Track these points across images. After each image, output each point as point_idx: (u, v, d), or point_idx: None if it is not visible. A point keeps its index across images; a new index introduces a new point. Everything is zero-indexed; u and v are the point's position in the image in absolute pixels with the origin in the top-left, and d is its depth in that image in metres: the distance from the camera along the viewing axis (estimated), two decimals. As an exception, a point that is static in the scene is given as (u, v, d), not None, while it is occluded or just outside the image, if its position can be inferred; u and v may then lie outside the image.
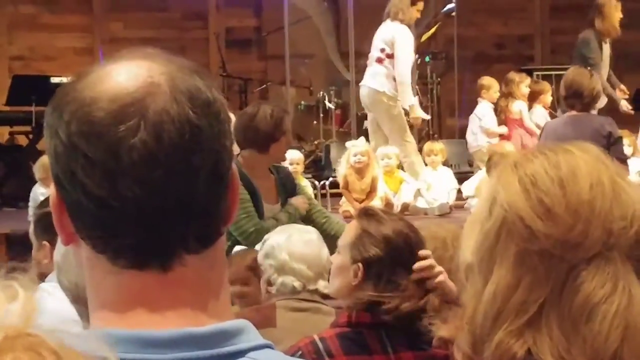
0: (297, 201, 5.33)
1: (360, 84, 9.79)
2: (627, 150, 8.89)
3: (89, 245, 1.16)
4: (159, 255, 1.15)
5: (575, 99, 7.07)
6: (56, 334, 0.88)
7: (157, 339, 1.12)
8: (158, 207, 1.12)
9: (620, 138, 7.12)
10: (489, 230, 1.35)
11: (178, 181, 1.13)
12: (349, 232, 3.20)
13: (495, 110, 11.01)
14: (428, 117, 10.43)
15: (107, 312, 1.16)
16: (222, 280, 1.21)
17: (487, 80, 11.21)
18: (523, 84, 10.86)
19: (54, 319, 2.76)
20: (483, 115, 10.90)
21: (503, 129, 10.81)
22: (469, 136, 11.03)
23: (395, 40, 9.30)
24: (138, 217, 1.12)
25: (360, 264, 3.07)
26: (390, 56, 9.37)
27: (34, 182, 8.71)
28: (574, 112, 7.08)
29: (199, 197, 1.14)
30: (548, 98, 10.95)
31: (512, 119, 10.79)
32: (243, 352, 1.15)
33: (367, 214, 3.19)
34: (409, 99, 9.36)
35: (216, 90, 1.19)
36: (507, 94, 10.83)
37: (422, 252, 3.03)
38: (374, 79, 9.41)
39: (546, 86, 11.22)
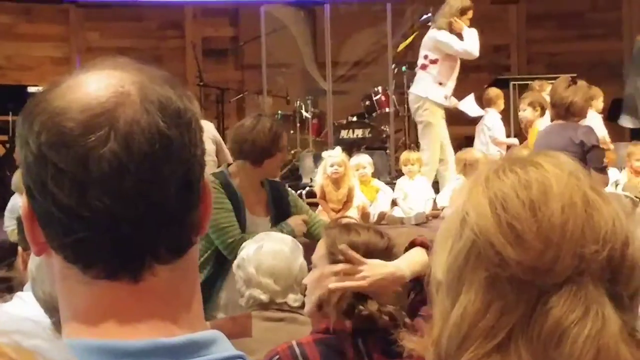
0: (294, 222, 5.19)
1: (409, 91, 10.02)
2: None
3: (60, 255, 1.16)
4: (130, 266, 1.14)
5: (554, 107, 7.10)
6: (12, 337, 0.89)
7: (129, 349, 1.11)
8: (128, 217, 1.12)
9: (594, 147, 7.05)
10: (459, 252, 1.32)
11: (148, 191, 1.12)
12: (321, 245, 3.18)
13: (506, 119, 10.96)
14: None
15: (78, 323, 1.16)
16: (194, 290, 1.21)
17: (493, 91, 11.22)
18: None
19: (29, 326, 2.73)
20: (492, 125, 10.92)
21: (513, 140, 10.82)
22: (477, 146, 10.93)
23: (439, 41, 9.39)
24: (108, 228, 1.12)
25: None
26: (435, 62, 9.47)
27: (11, 192, 8.67)
28: (558, 121, 7.10)
29: (170, 207, 1.14)
30: (600, 104, 10.59)
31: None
32: None
33: (337, 226, 3.20)
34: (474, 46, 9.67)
35: (188, 99, 1.19)
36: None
37: (342, 246, 3.01)
38: (417, 85, 9.55)
39: (597, 92, 10.85)
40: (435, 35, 9.60)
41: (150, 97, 1.14)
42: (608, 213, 1.31)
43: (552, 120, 7.20)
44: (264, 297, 3.72)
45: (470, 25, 9.85)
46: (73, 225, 1.13)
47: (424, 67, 9.62)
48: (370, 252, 3.06)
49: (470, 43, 9.55)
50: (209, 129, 8.34)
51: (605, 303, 1.28)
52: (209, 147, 8.12)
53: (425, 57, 9.61)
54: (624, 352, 1.26)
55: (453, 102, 10.06)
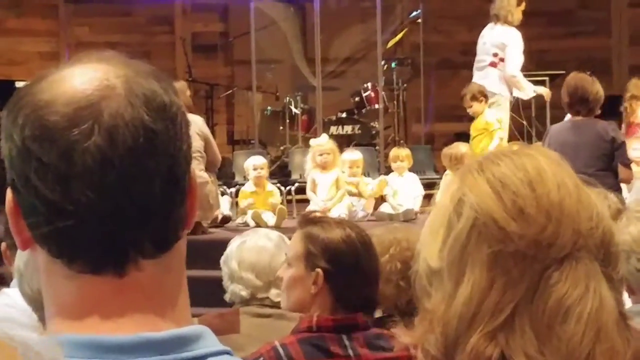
0: None
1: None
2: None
3: (45, 249, 1.15)
4: (114, 260, 1.14)
5: (580, 104, 7.10)
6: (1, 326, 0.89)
7: (115, 344, 1.11)
8: (112, 211, 1.11)
9: (623, 143, 7.18)
10: (459, 233, 1.33)
11: (132, 185, 1.12)
12: (296, 242, 3.17)
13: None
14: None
15: (63, 318, 1.16)
16: (181, 285, 1.21)
17: None
18: None
19: (18, 316, 2.71)
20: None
21: None
22: None
23: (508, 43, 9.37)
24: (91, 222, 1.11)
25: (319, 270, 3.06)
26: (504, 60, 9.46)
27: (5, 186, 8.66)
28: (577, 118, 7.11)
29: (154, 201, 1.13)
30: None
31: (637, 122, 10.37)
32: (201, 358, 1.14)
33: (309, 221, 3.18)
34: (530, 87, 9.60)
35: (174, 93, 1.18)
36: (632, 97, 10.34)
37: None
38: (484, 82, 9.49)
39: None
40: (506, 38, 9.48)
41: (135, 91, 1.14)
42: (595, 199, 1.36)
43: (573, 115, 7.17)
44: (244, 293, 3.72)
45: (460, 23, 9.85)
46: (56, 219, 1.12)
47: (493, 64, 9.57)
48: (348, 248, 3.05)
49: (514, 69, 9.45)
50: (197, 124, 8.33)
51: (601, 280, 1.30)
52: (197, 143, 8.10)
53: (495, 54, 9.56)
54: (615, 333, 1.29)
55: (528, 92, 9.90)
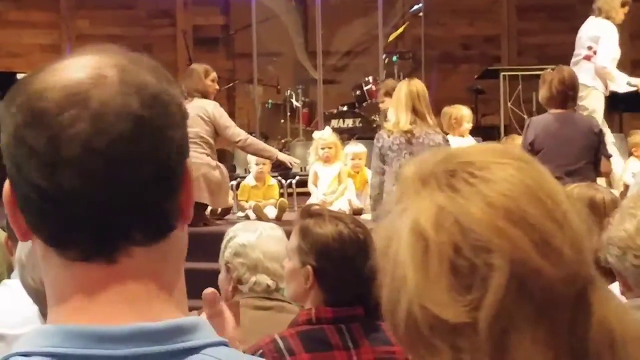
0: None
1: None
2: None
3: (40, 239, 1.16)
4: (103, 248, 1.14)
5: (570, 96, 7.15)
6: None
7: (111, 334, 1.11)
8: (100, 198, 1.11)
9: (604, 135, 7.35)
10: (497, 289, 1.14)
11: (120, 173, 1.11)
12: (292, 236, 3.14)
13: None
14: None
15: (60, 307, 1.16)
16: (177, 275, 1.21)
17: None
18: None
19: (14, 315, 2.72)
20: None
21: None
22: None
23: (601, 36, 9.33)
24: (80, 209, 1.11)
25: (309, 267, 3.03)
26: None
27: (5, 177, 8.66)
28: (558, 110, 7.12)
29: (143, 189, 1.13)
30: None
31: None
32: (198, 349, 1.14)
33: (308, 214, 3.15)
34: (622, 79, 9.47)
35: (169, 84, 1.18)
36: None
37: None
38: (579, 76, 9.46)
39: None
40: (601, 31, 9.44)
41: (127, 80, 1.14)
42: (556, 189, 1.23)
43: (558, 108, 7.17)
44: (270, 283, 3.71)
45: (462, 17, 9.81)
46: (47, 207, 1.12)
47: (587, 57, 9.52)
48: (337, 245, 3.01)
49: (604, 61, 9.40)
50: (205, 109, 8.26)
51: (606, 287, 1.24)
52: (197, 128, 8.01)
53: (589, 47, 9.51)
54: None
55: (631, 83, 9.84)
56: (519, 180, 1.19)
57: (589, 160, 7.04)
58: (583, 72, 9.23)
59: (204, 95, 8.48)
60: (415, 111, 7.18)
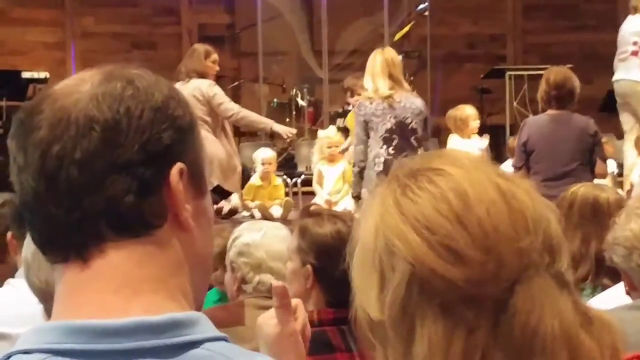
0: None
1: (613, 79, 9.52)
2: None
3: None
4: (75, 247, 1.17)
5: (568, 97, 7.09)
6: None
7: (111, 328, 1.12)
8: (60, 200, 1.15)
9: (601, 137, 7.23)
10: (397, 289, 1.23)
11: (79, 175, 1.15)
12: (293, 236, 3.15)
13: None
14: None
15: (58, 305, 1.19)
16: (171, 271, 1.21)
17: None
18: None
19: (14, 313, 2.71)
20: None
21: None
22: None
23: None
24: (39, 210, 1.17)
25: (309, 266, 3.04)
26: None
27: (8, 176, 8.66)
28: (555, 111, 7.09)
29: (105, 189, 1.15)
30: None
31: None
32: (198, 343, 1.15)
33: (307, 214, 3.15)
34: None
35: (159, 92, 1.21)
36: None
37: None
38: (630, 72, 9.39)
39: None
40: None
41: (98, 88, 1.18)
42: (523, 196, 1.26)
43: (555, 109, 7.13)
44: (274, 282, 3.70)
45: (467, 16, 9.77)
46: (24, 212, 1.19)
47: (635, 53, 9.46)
48: (336, 244, 2.99)
49: None
50: (199, 88, 8.27)
51: (555, 292, 1.24)
52: (196, 110, 8.00)
53: (635, 43, 9.45)
54: (583, 336, 1.23)
55: None
56: (440, 188, 1.25)
57: (582, 162, 6.97)
58: (632, 68, 9.16)
59: (202, 75, 8.49)
60: (391, 77, 7.26)
